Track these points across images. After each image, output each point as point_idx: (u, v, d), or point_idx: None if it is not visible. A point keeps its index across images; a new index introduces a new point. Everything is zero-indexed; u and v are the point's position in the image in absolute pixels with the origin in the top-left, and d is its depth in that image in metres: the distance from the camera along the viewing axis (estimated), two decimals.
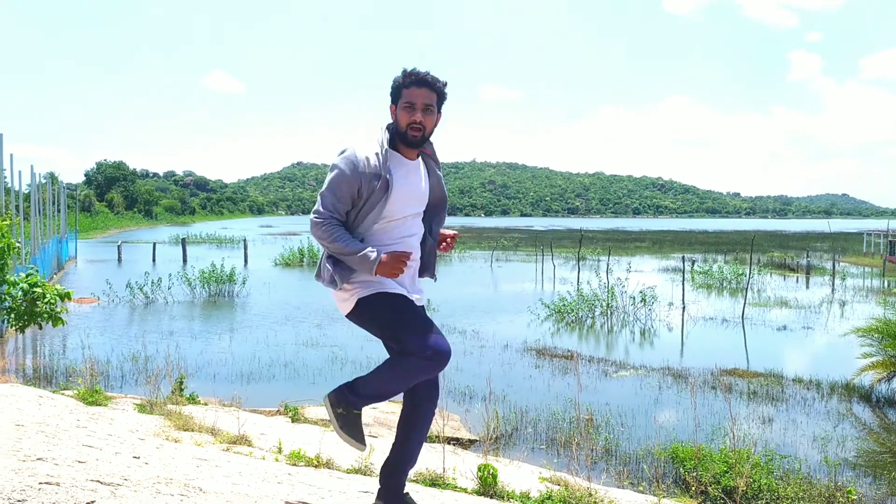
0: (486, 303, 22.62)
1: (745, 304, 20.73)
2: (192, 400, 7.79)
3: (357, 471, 4.01)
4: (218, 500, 2.49)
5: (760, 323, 19.15)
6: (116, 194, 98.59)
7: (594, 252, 43.46)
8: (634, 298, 20.28)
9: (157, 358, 12.20)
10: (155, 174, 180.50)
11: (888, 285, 29.73)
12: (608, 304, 19.86)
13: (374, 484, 3.69)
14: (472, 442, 8.57)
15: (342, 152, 2.91)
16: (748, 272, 25.17)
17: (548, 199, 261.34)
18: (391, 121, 3.00)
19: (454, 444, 7.61)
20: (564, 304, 19.48)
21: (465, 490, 3.83)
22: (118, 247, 39.41)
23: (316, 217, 2.93)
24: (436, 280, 3.37)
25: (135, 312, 19.50)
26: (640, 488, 5.32)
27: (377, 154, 2.88)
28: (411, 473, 4.15)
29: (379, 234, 2.96)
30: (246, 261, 35.31)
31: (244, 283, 23.59)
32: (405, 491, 3.11)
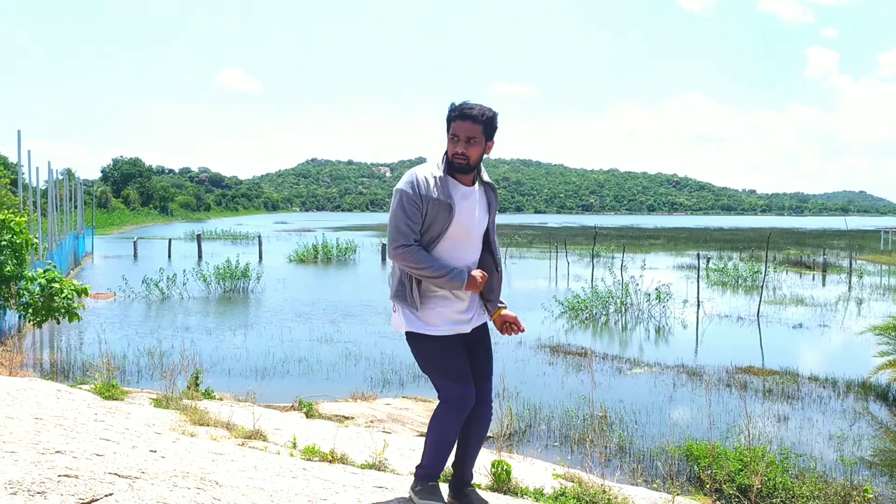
0: None
1: (760, 301, 20.59)
2: (208, 395, 7.85)
3: (371, 466, 4.03)
4: (234, 494, 2.51)
5: (776, 321, 19.02)
6: (132, 191, 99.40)
7: (608, 249, 43.32)
8: (649, 296, 20.20)
9: (173, 353, 12.30)
10: (171, 171, 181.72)
11: None
12: (622, 302, 19.80)
13: (388, 479, 3.71)
14: (486, 438, 8.58)
15: (404, 177, 3.15)
16: (764, 270, 25.01)
17: (562, 195, 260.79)
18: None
19: None
20: (579, 301, 19.44)
21: (478, 486, 3.84)
22: (134, 243, 39.72)
23: (398, 247, 3.08)
24: (504, 307, 3.49)
25: (150, 308, 19.65)
26: (654, 486, 5.31)
27: (436, 178, 3.10)
28: None
29: (441, 256, 3.12)
30: (261, 257, 35.48)
31: (259, 280, 23.71)
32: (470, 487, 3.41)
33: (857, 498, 6.84)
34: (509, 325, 3.40)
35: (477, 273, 3.13)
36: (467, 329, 3.25)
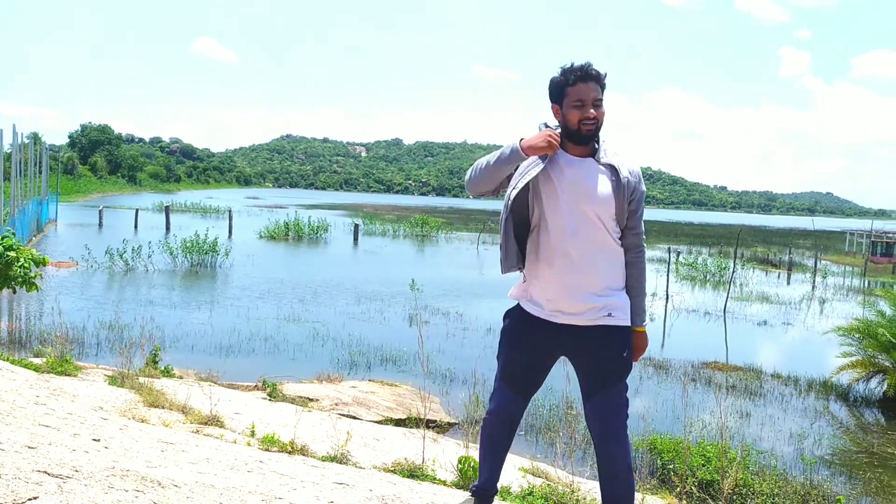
0: (470, 285, 22.52)
1: (727, 297, 20.76)
2: (167, 373, 7.63)
3: (333, 459, 3.88)
4: (177, 496, 2.35)
5: (742, 317, 19.19)
6: (100, 158, 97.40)
7: None
8: None
9: (134, 327, 12.01)
10: (140, 140, 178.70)
11: (869, 285, 29.94)
12: None
13: (349, 474, 3.57)
14: (451, 425, 8.49)
15: None
16: (732, 266, 25.23)
17: None
18: (550, 122, 2.89)
19: (433, 429, 7.52)
20: None
21: (444, 482, 3.72)
22: (100, 211, 38.90)
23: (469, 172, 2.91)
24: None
25: (113, 279, 19.23)
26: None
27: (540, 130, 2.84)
28: (388, 462, 4.04)
29: (545, 235, 2.86)
30: (230, 232, 34.96)
31: (227, 255, 23.33)
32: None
33: (816, 497, 6.88)
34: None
35: (533, 136, 2.73)
36: (558, 317, 2.86)
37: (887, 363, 11.41)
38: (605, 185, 2.79)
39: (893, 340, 11.16)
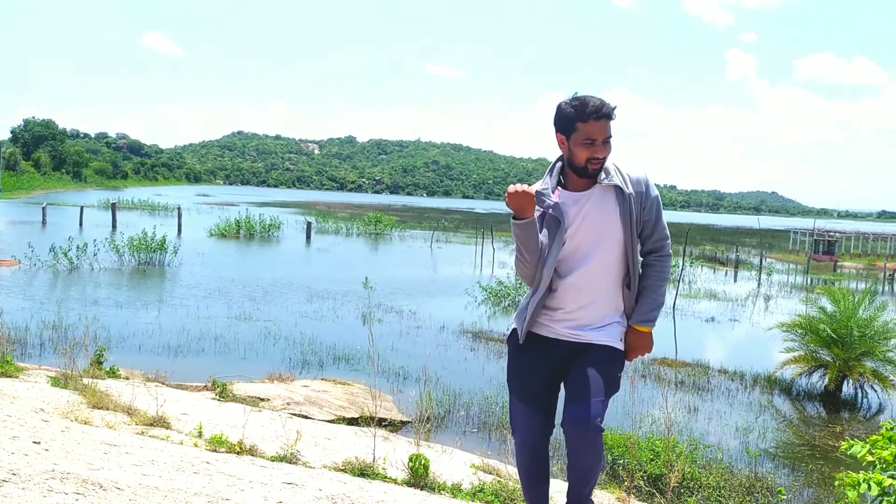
0: (424, 283, 22.51)
1: (676, 295, 21.16)
2: (112, 373, 7.45)
3: (282, 458, 3.83)
4: (119, 499, 2.29)
5: (690, 314, 19.59)
6: (44, 154, 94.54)
7: None
8: None
9: (78, 327, 11.69)
10: (86, 135, 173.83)
11: (811, 282, 30.85)
12: None
13: (299, 474, 3.53)
14: (403, 423, 8.47)
15: None
16: (681, 264, 25.71)
17: (490, 182, 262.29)
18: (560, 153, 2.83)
19: (386, 427, 7.50)
20: (502, 288, 19.52)
21: (395, 481, 3.71)
22: (43, 208, 37.79)
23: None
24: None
25: (57, 278, 18.70)
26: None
27: (545, 189, 2.78)
28: (339, 461, 4.01)
29: (558, 268, 2.80)
30: (179, 230, 34.30)
31: (176, 253, 22.89)
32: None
33: (760, 489, 7.07)
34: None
35: (513, 200, 2.67)
36: (561, 333, 2.82)
37: (828, 358, 11.76)
38: (610, 213, 2.76)
39: (834, 336, 11.51)
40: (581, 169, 2.74)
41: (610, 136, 2.71)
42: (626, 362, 2.95)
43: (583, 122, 2.68)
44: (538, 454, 2.94)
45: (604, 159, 2.72)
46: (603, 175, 2.78)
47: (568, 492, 2.90)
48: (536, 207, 2.74)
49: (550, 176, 2.84)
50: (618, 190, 2.77)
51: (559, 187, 2.80)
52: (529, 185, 2.75)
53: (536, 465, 2.95)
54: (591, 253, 2.78)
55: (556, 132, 2.79)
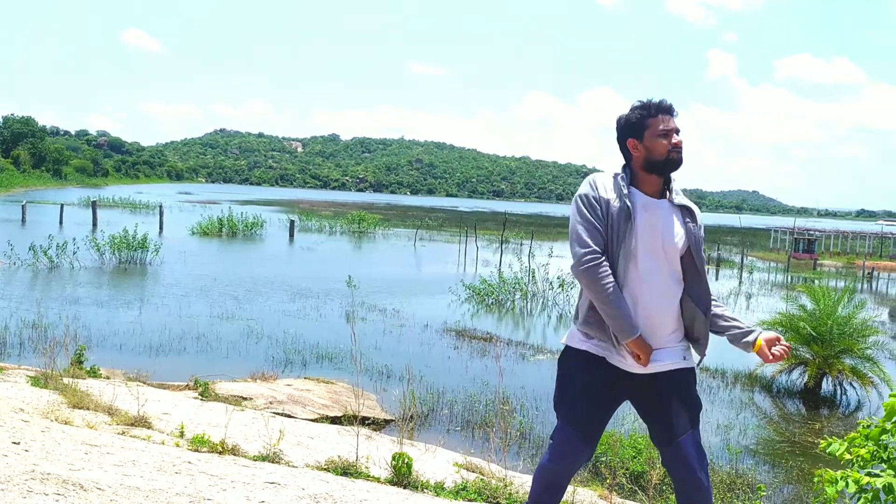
0: (407, 282, 22.50)
1: None
2: (93, 373, 7.39)
3: (265, 458, 3.82)
4: (100, 499, 2.27)
5: None
6: (23, 151, 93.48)
7: (518, 236, 43.85)
8: (553, 284, 20.55)
9: (59, 326, 11.57)
10: (66, 132, 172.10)
11: (791, 280, 31.15)
12: (525, 290, 20.05)
13: (281, 473, 3.52)
14: (387, 422, 8.47)
15: (583, 184, 2.81)
16: None
17: (474, 180, 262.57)
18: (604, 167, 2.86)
19: (369, 426, 7.49)
20: (486, 287, 19.55)
21: (378, 479, 3.71)
22: (23, 206, 37.38)
23: (585, 258, 2.66)
24: (702, 359, 2.94)
25: (37, 277, 18.51)
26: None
27: (616, 180, 2.77)
28: (322, 460, 4.01)
29: (622, 282, 2.69)
30: (161, 228, 34.04)
31: (157, 252, 22.71)
32: None
33: (741, 485, 7.13)
34: (774, 345, 2.83)
35: (642, 342, 2.63)
36: (631, 367, 2.72)
37: (808, 355, 11.89)
38: (679, 228, 2.76)
39: (814, 334, 11.64)
40: (661, 162, 2.76)
41: (679, 130, 2.78)
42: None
43: (653, 117, 2.77)
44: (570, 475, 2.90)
45: (681, 149, 2.77)
46: (676, 194, 2.82)
47: None
48: (612, 196, 2.74)
49: (621, 175, 2.82)
50: (689, 211, 2.81)
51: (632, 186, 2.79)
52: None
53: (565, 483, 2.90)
54: (667, 267, 2.77)
55: (627, 140, 2.81)
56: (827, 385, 11.97)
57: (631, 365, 2.70)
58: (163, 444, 3.85)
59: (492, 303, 19.04)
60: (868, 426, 2.85)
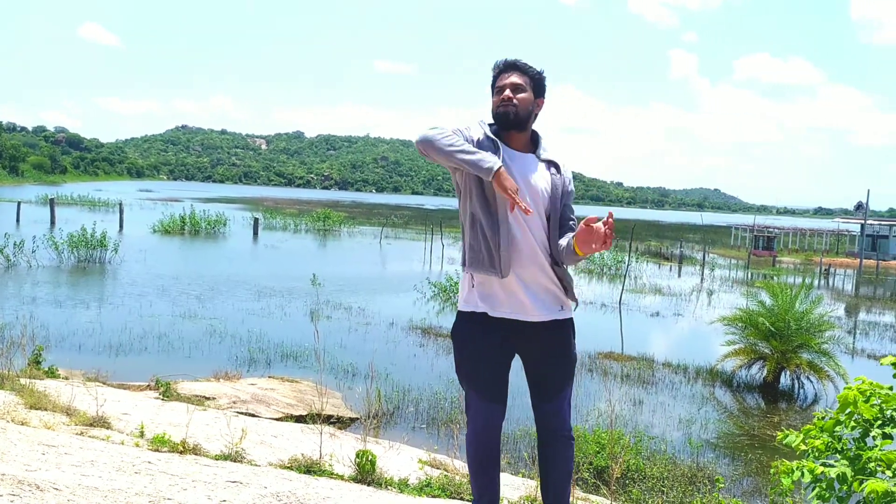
0: (373, 280, 22.43)
1: (622, 290, 21.53)
2: (51, 373, 7.24)
3: (227, 457, 3.78)
4: (57, 500, 2.23)
5: (636, 308, 19.95)
6: None
7: None
8: None
9: (16, 326, 11.31)
10: (23, 129, 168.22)
11: (751, 277, 31.73)
12: None
13: (244, 472, 3.49)
14: (352, 420, 8.44)
15: None
16: (627, 259, 26.16)
17: (440, 178, 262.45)
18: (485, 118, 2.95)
19: (334, 424, 7.46)
20: (452, 284, 19.58)
21: (341, 477, 3.69)
22: None
23: (432, 129, 2.75)
24: (576, 305, 3.03)
25: None
26: (521, 473, 5.36)
27: (483, 130, 2.86)
28: (285, 459, 3.98)
29: (485, 227, 2.76)
30: (121, 226, 33.45)
31: (117, 250, 22.32)
32: None
33: (702, 479, 7.25)
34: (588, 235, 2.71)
35: (511, 181, 2.65)
36: (515, 314, 2.78)
37: (767, 350, 12.13)
38: (545, 181, 2.85)
39: (772, 329, 11.87)
40: (496, 116, 2.88)
41: (519, 84, 2.86)
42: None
43: (497, 78, 2.91)
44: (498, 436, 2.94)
45: (514, 102, 2.83)
46: (543, 150, 2.93)
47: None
48: (480, 135, 2.84)
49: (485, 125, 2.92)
50: (555, 165, 2.93)
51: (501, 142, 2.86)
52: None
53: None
54: (533, 222, 2.83)
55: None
56: (785, 379, 12.22)
57: (515, 311, 2.78)
58: (122, 444, 3.79)
59: (457, 300, 19.06)
60: (823, 418, 2.91)
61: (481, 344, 2.81)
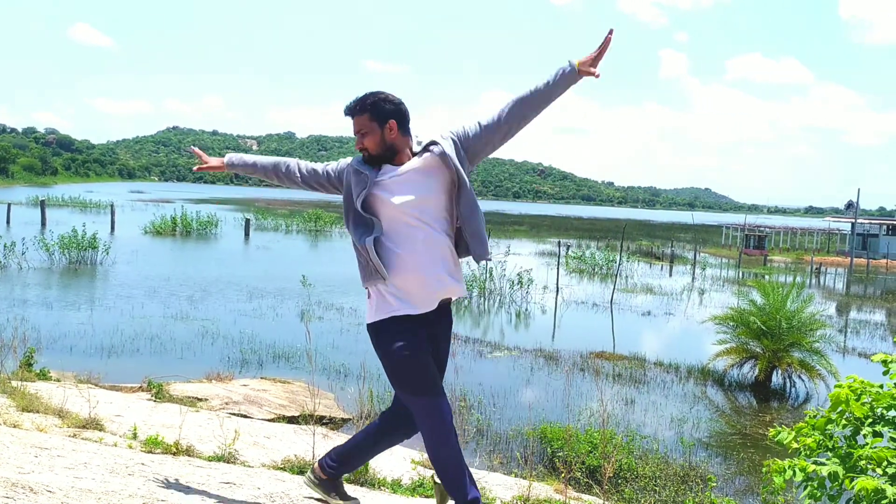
0: None
1: (614, 289, 21.58)
2: (43, 375, 7.20)
3: (220, 458, 3.78)
4: (51, 502, 2.22)
5: (627, 308, 20.00)
6: None
7: None
8: (511, 281, 20.68)
9: (7, 328, 11.25)
10: (13, 130, 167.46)
11: (742, 276, 31.85)
12: (482, 287, 20.16)
13: (237, 473, 3.49)
14: (345, 421, 8.44)
15: None
16: (618, 259, 26.21)
17: None
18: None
19: (327, 425, 7.45)
20: None
21: None
22: None
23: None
24: (490, 258, 3.21)
25: None
26: (514, 473, 5.37)
27: (350, 164, 3.10)
28: (278, 460, 3.98)
29: (388, 234, 2.97)
30: (113, 227, 33.32)
31: (108, 251, 22.23)
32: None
33: (694, 478, 7.28)
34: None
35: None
36: (418, 307, 2.95)
37: (758, 349, 12.18)
38: (427, 176, 2.95)
39: (764, 328, 11.92)
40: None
41: (362, 130, 3.01)
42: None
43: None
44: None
45: (366, 148, 3.02)
46: (417, 146, 3.05)
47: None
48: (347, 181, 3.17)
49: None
50: (425, 150, 3.02)
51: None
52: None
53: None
54: (417, 219, 3.00)
55: None
56: (777, 378, 12.27)
57: (417, 305, 2.93)
58: (115, 445, 3.78)
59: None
60: (815, 416, 2.93)
61: (414, 344, 2.91)
